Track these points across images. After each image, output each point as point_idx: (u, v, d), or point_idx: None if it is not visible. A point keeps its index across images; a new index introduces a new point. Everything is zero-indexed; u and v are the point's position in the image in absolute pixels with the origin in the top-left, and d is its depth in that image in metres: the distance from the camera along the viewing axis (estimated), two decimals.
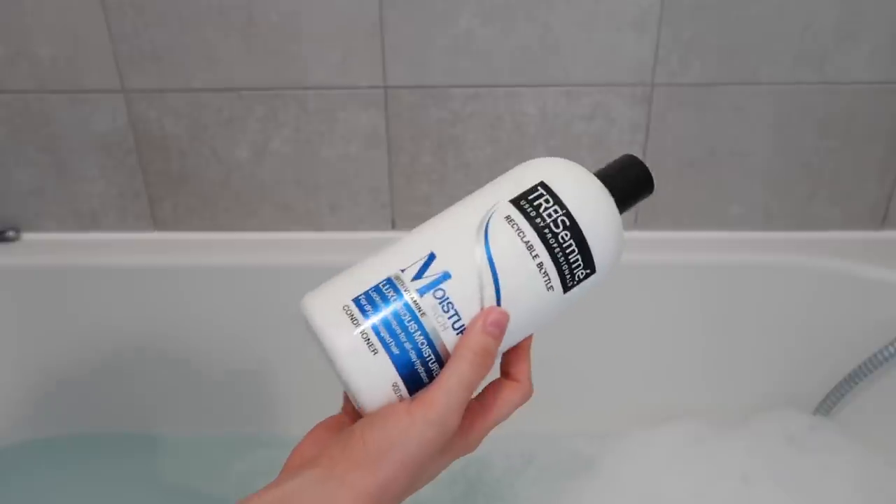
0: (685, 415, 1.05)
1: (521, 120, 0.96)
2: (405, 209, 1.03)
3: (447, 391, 0.37)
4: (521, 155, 0.97)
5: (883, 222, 1.03)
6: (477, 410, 0.41)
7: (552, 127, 0.96)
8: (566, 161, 0.43)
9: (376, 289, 0.39)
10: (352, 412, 0.42)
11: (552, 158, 0.43)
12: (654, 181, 0.44)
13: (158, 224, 1.06)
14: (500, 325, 0.39)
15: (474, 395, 0.42)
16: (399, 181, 1.01)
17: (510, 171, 0.43)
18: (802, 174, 1.00)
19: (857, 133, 0.97)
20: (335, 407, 0.44)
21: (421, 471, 0.38)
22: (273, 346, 1.03)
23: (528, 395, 0.42)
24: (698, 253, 1.01)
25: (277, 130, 0.98)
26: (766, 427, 1.02)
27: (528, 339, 0.42)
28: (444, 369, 0.38)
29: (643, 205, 1.09)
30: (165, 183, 1.02)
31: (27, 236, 1.06)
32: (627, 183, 0.43)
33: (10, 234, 1.05)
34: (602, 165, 0.44)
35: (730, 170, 1.00)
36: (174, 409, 1.09)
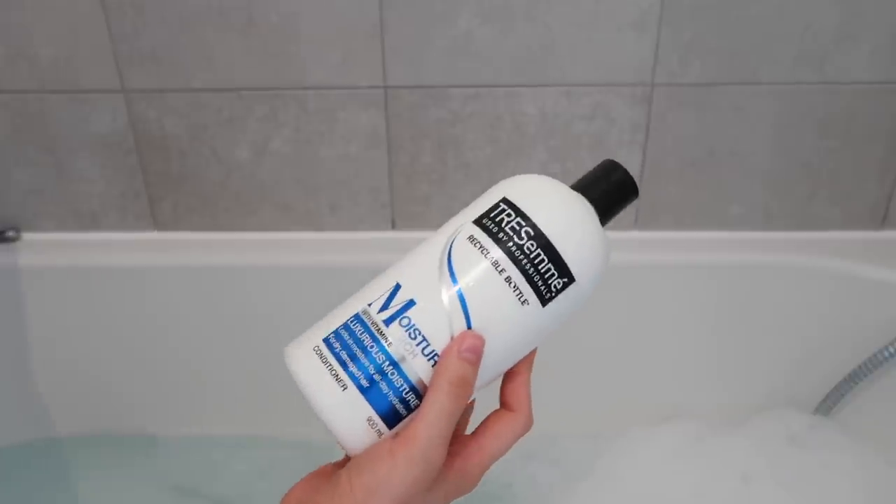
0: (685, 415, 1.05)
1: (521, 120, 0.96)
2: (405, 209, 1.03)
3: (427, 425, 0.36)
4: (520, 155, 0.97)
5: (883, 222, 1.03)
6: (472, 446, 0.39)
7: (552, 127, 0.96)
8: (534, 175, 0.42)
9: (345, 326, 0.38)
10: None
11: (520, 175, 0.42)
12: (639, 185, 0.43)
13: (158, 224, 1.06)
14: (475, 350, 0.37)
15: (469, 428, 0.41)
16: (399, 181, 1.01)
17: (479, 197, 0.42)
18: (802, 174, 1.00)
19: (857, 133, 0.97)
20: None
21: None
22: (273, 347, 1.03)
23: (527, 425, 0.40)
24: (698, 253, 1.01)
25: (277, 130, 0.98)
26: (766, 427, 1.02)
27: (526, 364, 0.41)
28: (422, 402, 0.37)
29: (643, 205, 1.08)
30: (165, 183, 1.02)
31: (27, 236, 1.06)
32: (608, 189, 0.42)
33: (10, 234, 1.05)
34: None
35: (730, 170, 1.00)
36: (174, 409, 1.09)
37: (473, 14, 0.90)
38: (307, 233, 1.05)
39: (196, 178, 1.02)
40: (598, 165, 0.43)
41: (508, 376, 0.41)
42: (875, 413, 0.99)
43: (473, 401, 0.43)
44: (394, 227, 1.04)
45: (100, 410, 1.09)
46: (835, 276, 0.98)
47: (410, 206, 1.02)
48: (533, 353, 0.41)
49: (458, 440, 0.39)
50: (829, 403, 1.01)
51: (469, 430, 0.41)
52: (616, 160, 0.43)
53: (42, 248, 1.04)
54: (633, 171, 0.98)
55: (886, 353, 0.91)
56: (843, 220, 1.03)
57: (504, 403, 0.41)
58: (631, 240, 1.02)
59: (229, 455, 1.07)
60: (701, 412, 1.05)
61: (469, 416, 0.43)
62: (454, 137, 0.97)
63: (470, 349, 0.37)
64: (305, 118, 0.97)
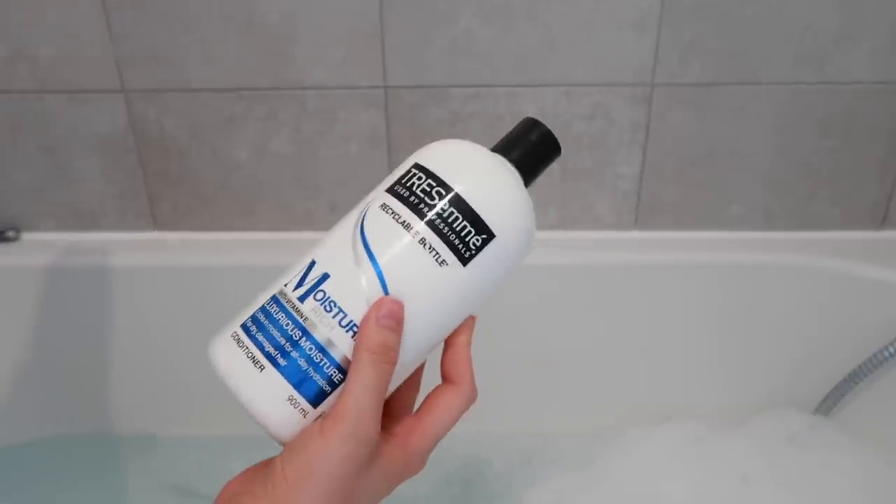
0: (685, 415, 1.05)
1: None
2: None
3: (354, 400, 0.34)
4: None
5: (883, 222, 1.03)
6: (412, 424, 0.38)
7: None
8: (448, 140, 0.41)
9: (262, 308, 0.38)
10: None
11: (434, 142, 0.41)
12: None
13: (158, 224, 1.06)
14: (394, 315, 0.36)
15: (417, 406, 0.39)
16: None
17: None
18: (802, 174, 1.00)
19: (857, 133, 0.97)
20: None
21: (350, 494, 0.35)
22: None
23: (470, 397, 0.38)
24: (698, 253, 1.01)
25: (277, 130, 0.98)
26: (766, 427, 1.02)
27: (464, 331, 0.39)
28: (347, 377, 0.35)
29: (643, 205, 1.08)
30: (165, 183, 1.02)
31: (27, 236, 1.06)
32: (528, 147, 0.41)
33: (10, 234, 1.05)
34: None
35: (730, 170, 1.00)
36: (174, 409, 1.09)
37: (473, 14, 0.90)
38: (307, 233, 1.05)
39: (196, 177, 1.02)
40: (518, 124, 0.43)
41: (447, 346, 0.39)
42: (875, 413, 0.99)
43: (418, 379, 0.42)
44: None
45: (100, 410, 1.09)
46: (835, 276, 0.98)
47: None
48: (471, 319, 0.40)
49: (399, 421, 0.38)
50: (829, 403, 1.01)
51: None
52: (536, 118, 0.42)
53: (42, 248, 1.04)
54: (633, 171, 0.98)
55: (886, 353, 0.91)
56: (843, 220, 1.03)
57: (444, 376, 0.39)
58: (631, 240, 1.02)
59: (229, 455, 1.07)
60: (701, 412, 1.05)
61: (415, 395, 0.41)
62: (454, 137, 0.97)
63: (388, 315, 0.35)
64: (305, 118, 0.97)
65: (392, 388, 0.38)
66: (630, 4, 0.89)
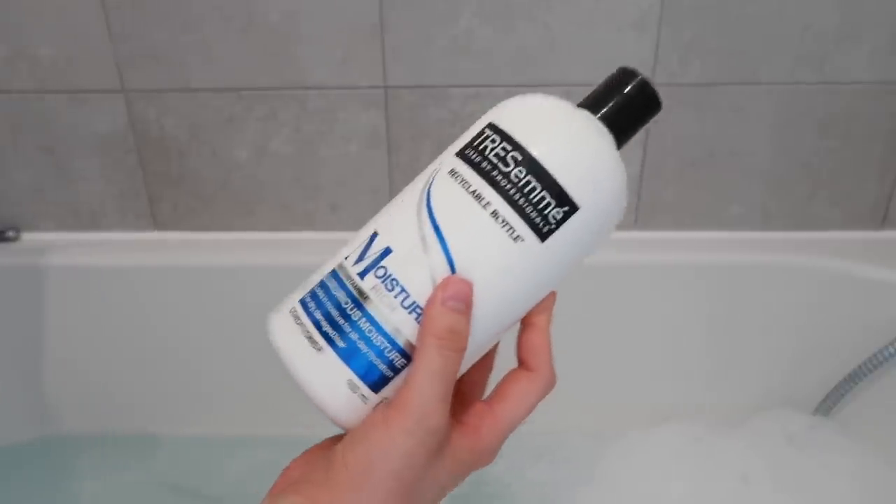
0: (685, 415, 1.05)
1: None
2: None
3: (419, 390, 0.32)
4: None
5: (883, 222, 1.03)
6: (485, 412, 0.35)
7: None
8: (528, 94, 0.36)
9: (321, 283, 0.35)
10: None
11: (513, 97, 0.36)
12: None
13: (158, 224, 1.06)
14: (462, 296, 0.32)
15: (488, 392, 0.37)
16: (399, 181, 1.01)
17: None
18: (802, 174, 1.00)
19: (857, 133, 0.97)
20: None
21: (415, 488, 0.33)
22: (273, 347, 1.03)
23: (548, 384, 0.35)
24: (698, 253, 1.01)
25: (277, 130, 0.98)
26: (765, 427, 1.02)
27: (542, 311, 0.36)
28: (412, 363, 0.33)
29: (643, 205, 1.08)
30: (165, 183, 1.02)
31: (27, 236, 1.06)
32: (621, 102, 0.36)
33: (10, 234, 1.05)
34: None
35: (730, 170, 1.00)
36: (174, 409, 1.09)
37: (474, 14, 0.90)
38: (307, 233, 1.05)
39: (196, 177, 1.02)
40: (611, 75, 0.37)
41: (523, 328, 0.36)
42: (875, 413, 0.99)
43: (491, 359, 0.38)
44: None
45: (100, 410, 1.09)
46: (834, 276, 0.98)
47: None
48: (551, 297, 0.36)
49: (471, 407, 0.36)
50: (828, 403, 1.01)
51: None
52: (632, 67, 0.36)
53: (42, 248, 1.04)
54: (633, 171, 0.98)
55: (886, 353, 0.91)
56: (842, 220, 1.03)
57: (521, 360, 0.36)
58: (631, 240, 1.02)
59: (229, 455, 1.07)
60: (700, 412, 1.05)
61: (487, 377, 0.39)
62: (454, 137, 0.97)
63: (455, 296, 0.32)
64: (305, 118, 0.97)
65: (461, 372, 0.34)
66: (630, 4, 0.89)
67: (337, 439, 0.35)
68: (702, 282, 1.01)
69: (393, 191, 1.01)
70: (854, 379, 0.96)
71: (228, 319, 1.03)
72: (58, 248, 1.04)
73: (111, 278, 1.02)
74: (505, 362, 0.39)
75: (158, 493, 1.04)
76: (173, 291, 1.03)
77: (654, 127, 0.97)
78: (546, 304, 0.36)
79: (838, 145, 0.98)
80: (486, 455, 0.35)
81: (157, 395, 1.08)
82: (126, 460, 1.08)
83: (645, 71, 0.93)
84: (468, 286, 0.32)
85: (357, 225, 1.06)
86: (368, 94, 0.95)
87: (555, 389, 0.37)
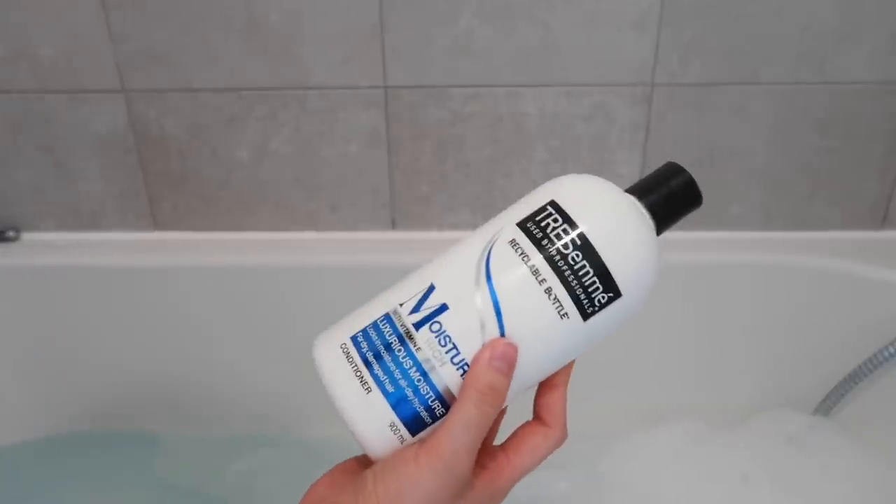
0: (685, 415, 1.05)
1: (521, 120, 0.96)
2: (405, 209, 1.03)
3: (452, 437, 0.35)
4: (521, 155, 0.97)
5: (883, 222, 1.03)
6: (502, 459, 0.38)
7: (552, 127, 0.96)
8: (586, 176, 0.39)
9: (374, 325, 0.37)
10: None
11: (572, 175, 0.39)
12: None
13: (158, 224, 1.06)
14: (508, 359, 0.35)
15: (500, 437, 0.40)
16: (399, 181, 1.01)
17: (527, 195, 0.40)
18: (802, 174, 1.00)
19: (857, 133, 0.97)
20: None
21: None
22: (273, 346, 1.03)
23: (560, 440, 0.38)
24: (698, 253, 1.01)
25: (277, 130, 0.98)
26: (765, 427, 1.02)
27: (563, 376, 0.39)
28: (450, 411, 0.36)
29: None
30: (165, 183, 1.02)
31: (27, 236, 1.06)
32: (668, 195, 0.39)
33: (10, 234, 1.05)
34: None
35: (730, 170, 1.00)
36: (174, 408, 1.09)
37: (474, 14, 0.90)
38: (307, 233, 1.05)
39: (196, 177, 1.02)
40: (660, 168, 0.40)
41: (543, 388, 0.39)
42: (875, 413, 0.99)
43: (504, 409, 0.41)
44: (394, 227, 1.04)
45: (100, 410, 1.09)
46: (834, 276, 0.98)
47: (410, 206, 1.02)
48: (570, 365, 0.39)
49: (487, 452, 0.38)
50: (828, 404, 1.01)
51: (499, 440, 0.40)
52: (678, 163, 0.40)
53: (42, 248, 1.04)
54: (633, 171, 0.98)
55: (886, 353, 0.91)
56: (842, 220, 1.03)
57: (538, 416, 0.39)
58: None
59: (229, 455, 1.07)
60: (701, 412, 1.05)
61: (499, 424, 0.42)
62: (454, 137, 0.97)
63: (501, 357, 0.35)
64: (306, 118, 0.97)
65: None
66: (630, 4, 0.89)
67: (360, 461, 0.39)
68: (702, 282, 1.01)
69: (393, 191, 1.02)
70: (854, 379, 0.96)
71: (228, 319, 1.03)
72: (58, 248, 1.04)
73: (111, 278, 1.02)
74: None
75: (158, 493, 1.04)
76: (173, 291, 1.03)
77: (655, 127, 0.97)
78: (567, 368, 0.39)
79: (838, 145, 0.98)
80: (499, 496, 0.38)
81: (157, 395, 1.08)
82: (126, 460, 1.08)
83: (645, 71, 0.93)
84: (514, 350, 0.36)
85: (357, 225, 1.06)
86: (368, 94, 0.95)
87: None
